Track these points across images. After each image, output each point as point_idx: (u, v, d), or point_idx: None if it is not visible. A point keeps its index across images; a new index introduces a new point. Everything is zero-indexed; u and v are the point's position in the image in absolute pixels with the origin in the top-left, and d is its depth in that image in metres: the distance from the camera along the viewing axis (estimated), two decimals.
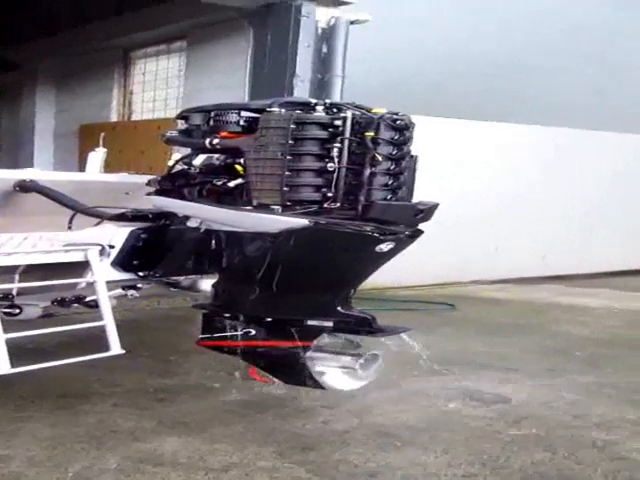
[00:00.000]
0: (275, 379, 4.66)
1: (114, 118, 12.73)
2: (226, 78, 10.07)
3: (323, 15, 9.33)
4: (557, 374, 5.93)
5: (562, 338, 7.36)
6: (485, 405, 5.03)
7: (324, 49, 9.16)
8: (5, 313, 4.27)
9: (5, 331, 3.89)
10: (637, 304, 9.64)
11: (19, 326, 4.13)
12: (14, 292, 4.46)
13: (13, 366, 3.84)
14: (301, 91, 8.82)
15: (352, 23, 9.35)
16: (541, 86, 12.80)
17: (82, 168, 6.97)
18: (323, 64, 9.11)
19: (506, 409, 4.98)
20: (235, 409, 4.74)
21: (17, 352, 3.92)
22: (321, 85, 9.04)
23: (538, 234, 11.28)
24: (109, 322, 4.25)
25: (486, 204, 10.67)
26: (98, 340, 4.28)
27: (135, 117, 12.68)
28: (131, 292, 5.00)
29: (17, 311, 4.50)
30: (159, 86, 12.26)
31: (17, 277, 4.38)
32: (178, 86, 11.77)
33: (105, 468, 3.75)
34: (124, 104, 12.79)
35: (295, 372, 4.40)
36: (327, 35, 9.19)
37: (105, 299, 4.31)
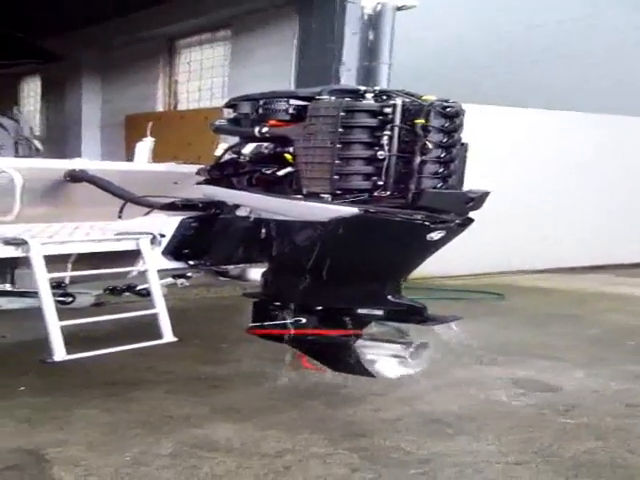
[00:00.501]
0: (325, 367, 4.66)
1: (160, 108, 12.79)
2: (272, 66, 10.06)
3: (369, 1, 9.23)
4: (606, 363, 5.87)
5: (610, 327, 7.27)
6: (534, 394, 5.00)
7: (370, 36, 9.05)
8: (59, 301, 4.31)
9: (59, 319, 3.94)
10: None
11: (72, 314, 4.18)
12: (67, 280, 4.54)
13: (68, 353, 3.89)
14: (348, 79, 8.75)
15: (399, 9, 9.25)
16: (589, 73, 12.59)
17: (129, 158, 7.03)
18: (370, 51, 9.01)
19: (556, 398, 4.94)
20: (286, 396, 4.75)
21: (69, 340, 3.96)
22: (368, 73, 8.95)
23: (585, 223, 11.13)
24: (161, 310, 4.28)
25: (533, 193, 10.53)
26: (147, 328, 4.31)
27: (181, 107, 12.73)
28: (181, 281, 5.04)
29: (70, 299, 4.62)
30: (204, 75, 12.29)
31: (69, 266, 4.43)
32: (223, 75, 11.78)
33: (161, 453, 3.80)
34: (169, 94, 12.85)
35: (345, 360, 4.40)
36: (373, 22, 9.08)
37: (157, 287, 4.34)
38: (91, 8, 12.56)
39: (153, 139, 6.34)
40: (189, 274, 5.06)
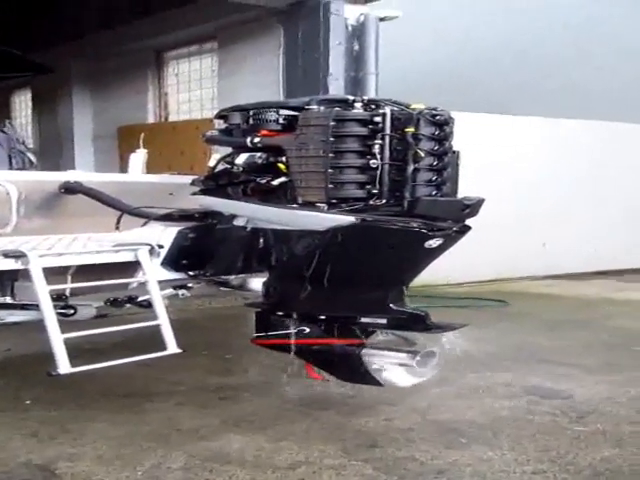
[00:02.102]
0: (332, 377, 4.65)
1: (151, 119, 12.80)
2: (259, 77, 10.10)
3: (352, 12, 9.33)
4: (617, 369, 5.81)
5: (619, 333, 7.23)
6: (547, 401, 4.95)
7: (356, 47, 9.15)
8: (60, 314, 4.33)
9: (62, 331, 3.96)
10: None
11: (75, 327, 4.18)
12: (67, 293, 4.55)
13: (73, 366, 3.90)
14: (336, 89, 8.81)
15: (382, 20, 9.36)
16: (573, 78, 12.66)
17: (123, 169, 7.09)
18: (356, 62, 9.10)
19: (569, 405, 4.88)
20: (296, 407, 4.74)
21: (75, 353, 3.98)
22: (355, 83, 9.04)
23: (587, 229, 11.25)
24: (164, 321, 4.30)
25: (535, 200, 10.67)
26: (152, 340, 4.32)
27: (172, 118, 12.75)
28: (182, 292, 5.04)
29: (72, 311, 4.60)
30: (193, 87, 12.33)
31: (69, 278, 4.46)
32: (212, 86, 11.82)
33: (173, 467, 3.78)
34: (160, 105, 12.86)
35: (353, 369, 4.38)
36: (358, 32, 9.19)
37: (158, 298, 4.36)
38: (79, 20, 12.63)
39: (146, 150, 6.39)
40: (190, 285, 5.07)
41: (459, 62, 11.42)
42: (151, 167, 6.44)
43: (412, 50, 10.64)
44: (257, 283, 4.70)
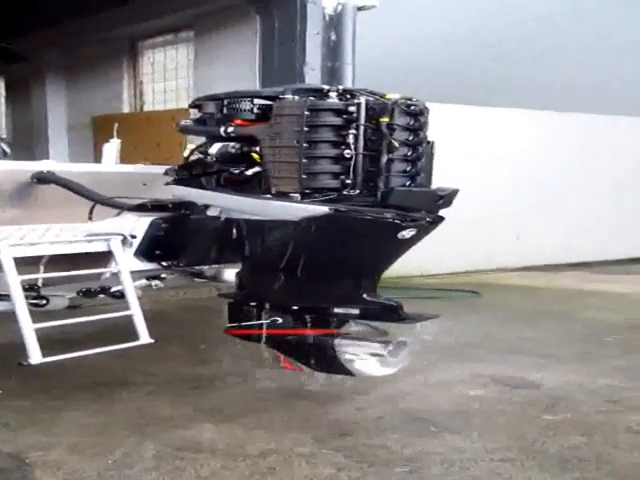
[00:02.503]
0: (304, 367, 4.64)
1: (126, 109, 12.69)
2: (236, 67, 10.02)
3: (329, 2, 9.25)
4: (589, 359, 5.86)
5: (592, 324, 7.27)
6: (517, 390, 4.99)
7: (333, 36, 9.09)
8: (32, 304, 4.30)
9: (34, 321, 3.94)
10: None
11: (47, 317, 4.16)
12: (39, 283, 4.52)
13: (44, 356, 3.89)
14: (312, 79, 8.72)
15: (359, 9, 9.31)
16: (554, 71, 12.66)
17: (97, 160, 7.02)
18: (333, 52, 9.02)
19: (539, 394, 4.93)
20: (269, 397, 4.76)
21: (47, 343, 3.96)
22: (332, 73, 8.96)
23: (562, 221, 11.30)
24: (136, 311, 4.30)
25: (510, 192, 10.71)
26: (125, 330, 4.31)
27: (147, 108, 12.63)
28: (155, 282, 5.02)
29: (44, 302, 4.57)
30: (169, 77, 12.24)
31: (42, 268, 4.42)
32: (188, 76, 11.74)
33: (145, 455, 3.79)
34: (135, 95, 12.76)
35: (325, 359, 4.39)
36: (335, 22, 9.12)
37: (131, 288, 4.35)
38: (52, 7, 12.46)
39: (119, 140, 6.33)
40: (163, 275, 5.05)
41: (441, 53, 11.37)
42: (128, 158, 6.38)
43: (393, 41, 10.56)
44: (230, 274, 4.71)
